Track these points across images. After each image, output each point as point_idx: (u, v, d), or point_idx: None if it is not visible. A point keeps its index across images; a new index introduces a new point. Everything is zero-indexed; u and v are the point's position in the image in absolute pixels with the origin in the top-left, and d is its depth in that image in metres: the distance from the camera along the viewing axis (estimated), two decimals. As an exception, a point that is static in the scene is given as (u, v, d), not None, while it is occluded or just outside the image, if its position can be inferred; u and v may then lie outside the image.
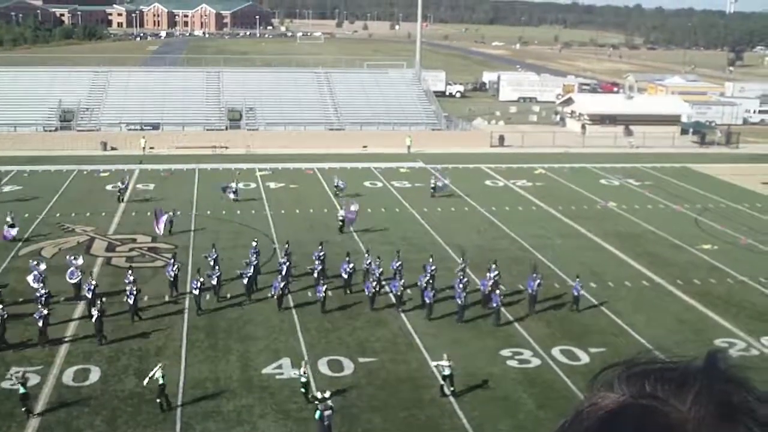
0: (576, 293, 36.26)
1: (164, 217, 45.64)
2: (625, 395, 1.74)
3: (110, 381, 28.80)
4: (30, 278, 35.47)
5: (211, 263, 37.78)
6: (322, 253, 39.30)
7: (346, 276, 37.46)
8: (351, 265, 37.69)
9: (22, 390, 26.09)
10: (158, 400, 26.64)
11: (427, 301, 35.06)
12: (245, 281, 36.33)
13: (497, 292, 35.18)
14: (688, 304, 37.49)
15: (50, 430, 25.37)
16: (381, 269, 37.27)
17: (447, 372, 28.00)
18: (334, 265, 38.58)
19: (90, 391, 28.02)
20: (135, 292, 34.06)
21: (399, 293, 35.91)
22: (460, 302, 34.53)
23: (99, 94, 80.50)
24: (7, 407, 26.67)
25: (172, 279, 36.65)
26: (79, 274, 36.18)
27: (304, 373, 27.64)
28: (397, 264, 38.01)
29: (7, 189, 55.10)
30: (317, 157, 68.36)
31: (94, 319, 31.60)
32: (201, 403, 27.28)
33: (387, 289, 37.27)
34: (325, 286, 35.34)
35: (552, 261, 42.59)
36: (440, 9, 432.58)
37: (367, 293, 35.74)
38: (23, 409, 25.89)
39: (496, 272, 37.45)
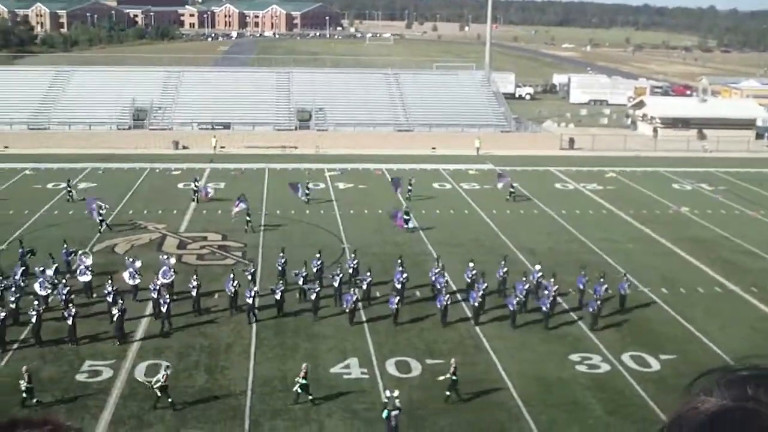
0: (622, 292, 35.69)
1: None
2: (726, 399, 1.75)
3: (180, 376, 29.21)
4: (126, 275, 35.89)
5: (278, 270, 37.01)
6: (355, 262, 38.40)
7: (399, 286, 35.67)
8: (405, 275, 36.08)
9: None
10: (158, 395, 26.82)
11: (511, 308, 33.98)
12: (312, 297, 34.34)
13: (546, 293, 34.92)
14: (763, 312, 36.76)
15: (122, 423, 25.82)
16: (445, 278, 36.11)
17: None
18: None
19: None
20: (197, 289, 34.59)
21: (477, 304, 34.23)
22: (545, 309, 33.97)
23: (171, 94, 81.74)
24: (82, 400, 27.21)
25: (232, 295, 34.67)
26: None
27: (305, 376, 27.23)
28: (472, 273, 36.95)
29: (82, 186, 56.12)
30: (386, 158, 68.52)
31: (115, 318, 31.70)
32: (269, 401, 27.51)
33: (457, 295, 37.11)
34: (398, 298, 33.92)
35: (622, 266, 42.09)
36: (510, 10, 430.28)
37: (439, 306, 34.02)
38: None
39: (540, 274, 37.30)
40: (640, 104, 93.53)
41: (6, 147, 71.01)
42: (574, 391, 28.75)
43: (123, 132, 76.38)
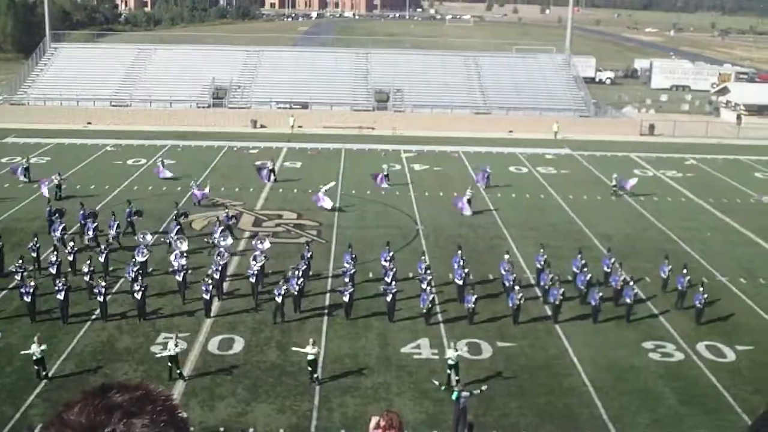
0: (680, 287, 34.39)
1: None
2: None
3: (253, 351, 29.62)
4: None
5: (300, 270, 34.24)
6: (390, 254, 36.52)
7: (460, 282, 34.42)
8: (466, 270, 34.78)
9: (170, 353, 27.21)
10: (170, 365, 27.26)
11: (593, 303, 32.75)
12: (388, 299, 32.57)
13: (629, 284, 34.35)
14: None
15: (195, 396, 26.27)
16: (514, 275, 34.53)
17: (451, 362, 27.10)
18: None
19: (233, 360, 28.91)
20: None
21: (558, 303, 32.86)
22: (629, 301, 32.97)
23: (250, 73, 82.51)
24: (156, 370, 27.79)
25: (296, 293, 32.98)
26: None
27: (316, 352, 27.42)
28: (543, 258, 36.48)
29: (168, 162, 56.79)
30: (462, 141, 68.27)
31: (139, 296, 31.97)
32: (340, 378, 27.73)
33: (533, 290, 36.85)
34: (475, 296, 32.29)
35: (701, 254, 41.39)
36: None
37: (511, 305, 32.55)
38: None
39: (583, 262, 35.97)
40: (724, 90, 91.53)
41: (89, 123, 72.52)
42: (646, 378, 28.38)
43: (202, 110, 77.40)
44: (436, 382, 26.05)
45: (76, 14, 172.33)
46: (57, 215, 41.12)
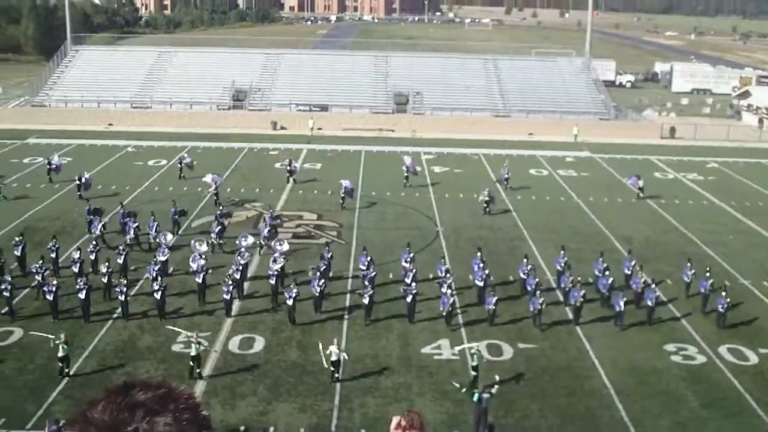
0: (704, 291, 34.10)
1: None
2: None
3: (273, 351, 29.66)
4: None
5: (319, 272, 34.12)
6: (410, 255, 36.25)
7: (481, 283, 34.34)
8: (486, 272, 34.65)
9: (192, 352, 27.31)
10: (192, 364, 27.44)
11: (617, 308, 32.41)
12: (408, 300, 32.38)
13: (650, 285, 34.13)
14: None
15: (216, 395, 26.32)
16: (536, 279, 34.08)
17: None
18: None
19: (254, 359, 28.97)
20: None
21: (579, 305, 32.68)
22: (650, 303, 32.81)
23: (270, 75, 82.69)
24: (177, 369, 27.87)
25: (318, 294, 33.06)
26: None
27: (339, 350, 27.51)
28: (563, 260, 36.32)
29: (187, 160, 56.70)
30: (482, 143, 68.17)
31: (159, 296, 32.10)
32: (360, 378, 27.73)
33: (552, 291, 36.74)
34: (495, 298, 32.07)
35: (722, 257, 41.15)
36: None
37: (532, 310, 32.26)
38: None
39: (633, 262, 36.06)
40: (746, 94, 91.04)
41: (110, 124, 72.86)
42: (668, 381, 28.23)
43: (222, 112, 77.64)
44: (457, 384, 25.99)
45: (97, 17, 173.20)
46: (95, 214, 41.41)
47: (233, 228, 42.58)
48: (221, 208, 44.85)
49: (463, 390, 25.46)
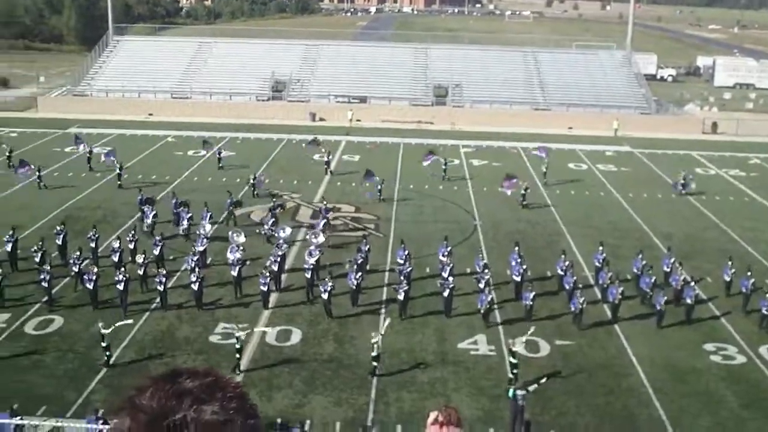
0: (744, 290, 33.61)
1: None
2: None
3: (310, 343, 29.75)
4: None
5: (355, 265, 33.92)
6: (448, 249, 35.98)
7: (518, 278, 34.09)
8: (524, 267, 34.46)
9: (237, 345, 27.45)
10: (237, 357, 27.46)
11: (658, 307, 31.85)
12: (445, 294, 32.23)
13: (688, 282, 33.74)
14: None
15: (253, 386, 26.38)
16: (574, 278, 33.58)
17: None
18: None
19: (291, 352, 29.06)
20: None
21: (617, 302, 32.39)
22: (689, 301, 32.40)
23: (310, 67, 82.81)
24: (215, 359, 28.02)
25: (354, 287, 32.88)
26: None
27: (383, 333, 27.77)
28: (602, 256, 35.97)
29: (224, 154, 57.06)
30: (521, 136, 67.83)
31: (196, 287, 32.26)
32: (396, 373, 27.72)
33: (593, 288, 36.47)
34: (533, 293, 31.98)
35: (764, 256, 40.65)
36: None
37: (573, 309, 31.90)
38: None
39: (672, 259, 35.68)
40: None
41: (150, 114, 73.42)
42: (707, 381, 27.95)
43: (261, 103, 77.92)
44: (533, 387, 25.24)
45: (138, 8, 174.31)
46: (147, 204, 41.73)
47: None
48: (274, 199, 44.97)
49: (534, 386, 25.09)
